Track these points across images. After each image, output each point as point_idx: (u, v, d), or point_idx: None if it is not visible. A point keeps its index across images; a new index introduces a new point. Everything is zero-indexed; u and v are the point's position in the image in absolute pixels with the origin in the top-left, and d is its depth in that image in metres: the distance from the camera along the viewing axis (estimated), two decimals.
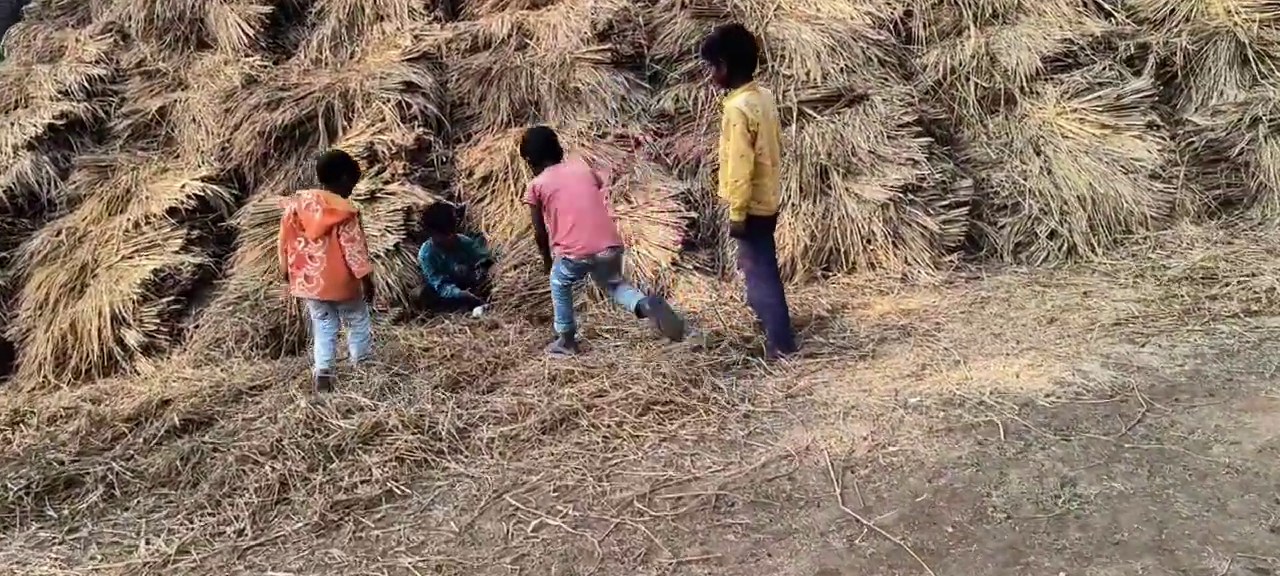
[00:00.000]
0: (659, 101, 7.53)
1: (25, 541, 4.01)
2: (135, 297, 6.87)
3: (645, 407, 4.51)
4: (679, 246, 6.58)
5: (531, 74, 7.73)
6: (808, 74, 7.20)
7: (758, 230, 4.94)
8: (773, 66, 7.37)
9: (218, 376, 6.08)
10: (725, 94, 4.88)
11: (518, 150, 6.05)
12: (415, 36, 8.34)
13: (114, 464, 4.65)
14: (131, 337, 6.82)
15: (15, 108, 8.65)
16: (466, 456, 4.30)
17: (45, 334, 6.98)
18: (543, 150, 5.59)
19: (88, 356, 6.82)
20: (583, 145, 7.23)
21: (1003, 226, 6.56)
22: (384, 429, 4.53)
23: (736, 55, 4.77)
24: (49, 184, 8.01)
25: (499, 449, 4.32)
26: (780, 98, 7.08)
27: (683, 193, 6.88)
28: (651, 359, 5.07)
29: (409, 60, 8.08)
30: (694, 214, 6.83)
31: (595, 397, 4.68)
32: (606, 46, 7.68)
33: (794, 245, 6.44)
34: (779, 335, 5.08)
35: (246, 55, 8.76)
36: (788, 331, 5.13)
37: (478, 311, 6.63)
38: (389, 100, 7.70)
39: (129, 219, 7.43)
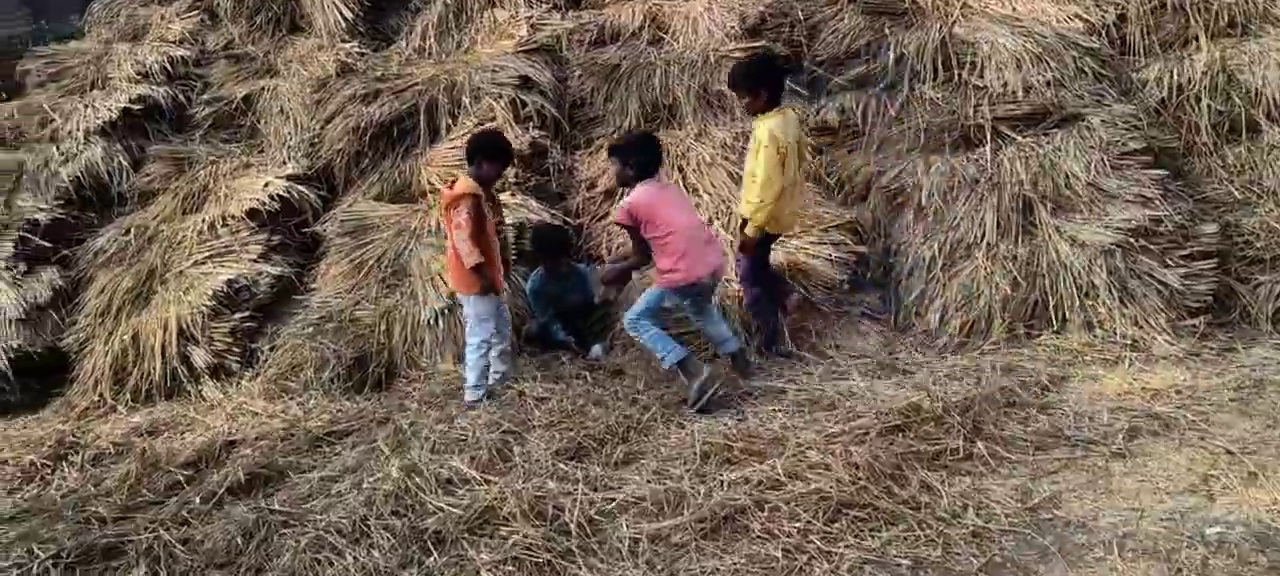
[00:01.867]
0: (820, 111, 6.56)
1: None
2: (206, 310, 6.18)
3: (836, 510, 3.56)
4: (845, 286, 5.61)
5: (667, 73, 6.85)
6: (1005, 85, 6.15)
7: (762, 245, 5.25)
8: (959, 75, 6.34)
9: (292, 414, 5.35)
10: (758, 117, 5.09)
11: (609, 154, 5.38)
12: (532, 25, 7.55)
13: (163, 530, 3.89)
14: (199, 357, 6.14)
15: (91, 89, 8.12)
16: (603, 562, 3.42)
17: (104, 346, 6.35)
18: (651, 158, 4.97)
19: (149, 375, 6.16)
20: (727, 160, 6.32)
21: (1258, 285, 5.41)
22: (496, 515, 3.66)
23: (775, 84, 5.10)
24: (120, 175, 7.41)
25: (645, 554, 3.42)
26: (971, 112, 6.06)
27: (850, 221, 5.91)
28: (833, 437, 4.11)
29: (525, 52, 7.28)
30: (863, 248, 5.86)
31: (767, 489, 3.74)
32: (758, 44, 6.75)
33: (991, 294, 5.41)
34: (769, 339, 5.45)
35: (343, 41, 8.08)
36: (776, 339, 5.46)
37: (597, 350, 5.75)
38: (501, 97, 6.90)
39: (204, 219, 6.78)
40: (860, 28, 6.72)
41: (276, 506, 3.98)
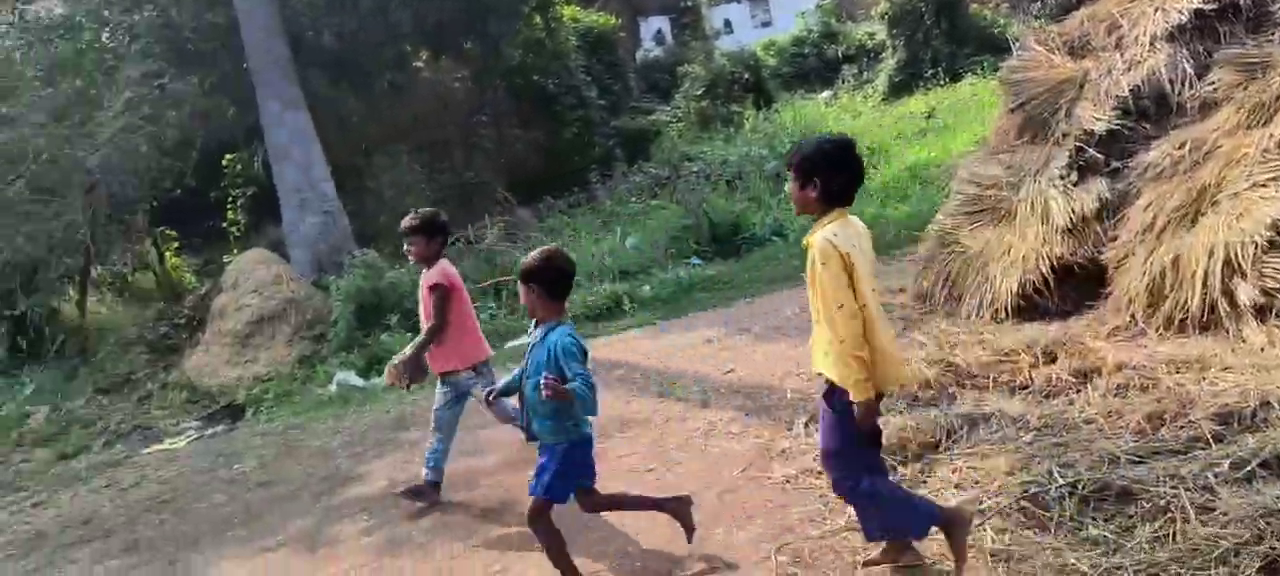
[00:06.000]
0: None
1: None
2: (1258, 241, 5.63)
3: None
4: None
5: None
6: None
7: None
8: None
9: None
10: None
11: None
12: None
13: (1184, 489, 3.72)
14: (1244, 293, 5.65)
15: None
16: None
17: (1142, 265, 6.31)
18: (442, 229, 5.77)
19: (1185, 304, 5.92)
20: None
21: None
22: None
23: (831, 173, 3.54)
24: (1183, 83, 7.13)
25: None
26: None
27: None
28: None
29: None
30: None
31: None
32: None
33: None
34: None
35: None
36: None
37: None
38: None
39: (1271, 136, 6.12)
40: None
41: None
